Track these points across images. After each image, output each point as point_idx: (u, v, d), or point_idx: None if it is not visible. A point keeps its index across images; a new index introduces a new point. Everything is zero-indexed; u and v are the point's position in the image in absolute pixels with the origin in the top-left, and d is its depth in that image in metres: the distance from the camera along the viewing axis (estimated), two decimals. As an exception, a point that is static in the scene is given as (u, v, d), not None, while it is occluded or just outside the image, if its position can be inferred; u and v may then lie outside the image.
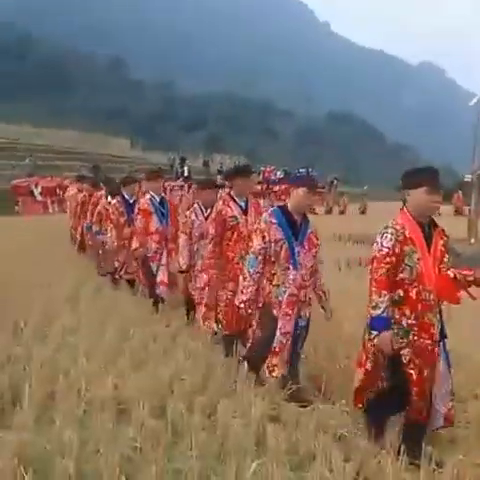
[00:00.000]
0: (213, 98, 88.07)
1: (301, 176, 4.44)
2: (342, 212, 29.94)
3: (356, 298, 5.69)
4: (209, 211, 6.22)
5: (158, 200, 7.24)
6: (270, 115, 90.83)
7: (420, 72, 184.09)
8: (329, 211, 29.41)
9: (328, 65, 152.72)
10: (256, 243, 4.37)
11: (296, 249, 4.33)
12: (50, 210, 27.94)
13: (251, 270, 4.37)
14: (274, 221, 4.35)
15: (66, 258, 11.63)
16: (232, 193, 5.53)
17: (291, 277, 4.32)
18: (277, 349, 4.28)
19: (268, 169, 33.01)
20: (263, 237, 4.33)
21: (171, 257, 7.05)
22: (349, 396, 3.98)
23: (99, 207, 9.47)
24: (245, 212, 5.45)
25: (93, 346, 5.03)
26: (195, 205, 6.56)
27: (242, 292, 4.41)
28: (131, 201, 8.31)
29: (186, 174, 34.62)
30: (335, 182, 35.40)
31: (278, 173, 31.51)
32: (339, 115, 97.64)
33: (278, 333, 4.28)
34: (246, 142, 68.11)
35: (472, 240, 16.56)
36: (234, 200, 5.48)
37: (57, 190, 28.08)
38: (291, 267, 4.32)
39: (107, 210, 8.82)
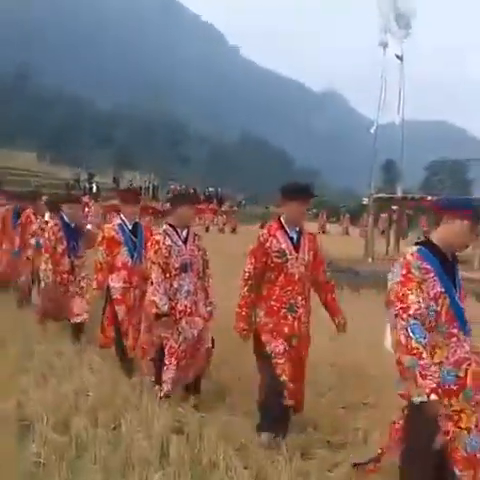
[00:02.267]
0: (124, 117, 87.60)
1: (466, 204, 3.06)
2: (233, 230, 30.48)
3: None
4: (185, 233, 4.76)
5: (130, 227, 5.67)
6: (181, 135, 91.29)
7: (325, 100, 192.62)
8: (222, 229, 29.79)
9: (237, 89, 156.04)
10: (413, 299, 2.85)
11: (459, 304, 3.02)
12: None
13: (422, 341, 2.80)
14: (429, 268, 2.94)
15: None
16: (282, 219, 4.16)
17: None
18: None
19: (178, 188, 33.37)
20: (421, 291, 2.89)
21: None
22: (251, 406, 4.15)
23: (34, 226, 7.56)
24: (296, 248, 4.12)
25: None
26: (165, 226, 4.77)
27: (426, 377, 2.72)
28: (72, 225, 6.55)
29: (95, 190, 34.20)
30: (243, 202, 36.41)
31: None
32: (251, 140, 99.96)
33: None
34: (157, 160, 68.01)
35: (369, 259, 17.41)
36: (283, 229, 4.14)
37: None
38: (460, 332, 2.96)
39: (43, 231, 6.92)
